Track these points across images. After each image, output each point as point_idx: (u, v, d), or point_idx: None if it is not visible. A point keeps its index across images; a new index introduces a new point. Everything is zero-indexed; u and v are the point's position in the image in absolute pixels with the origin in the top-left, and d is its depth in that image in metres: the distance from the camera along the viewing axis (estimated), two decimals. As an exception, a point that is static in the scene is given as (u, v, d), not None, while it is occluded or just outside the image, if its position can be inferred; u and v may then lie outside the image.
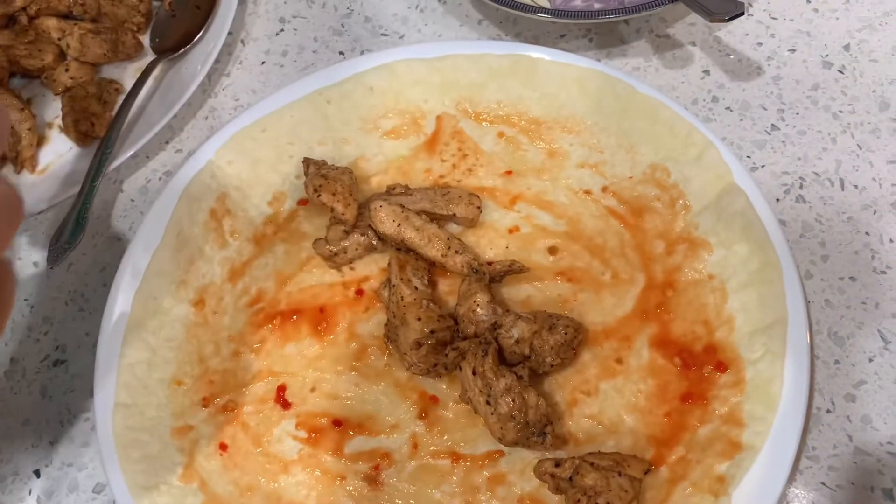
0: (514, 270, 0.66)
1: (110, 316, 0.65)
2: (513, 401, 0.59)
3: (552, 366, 0.62)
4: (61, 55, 0.82)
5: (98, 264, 0.73)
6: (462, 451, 0.62)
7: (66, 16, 0.84)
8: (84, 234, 0.70)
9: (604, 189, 0.70)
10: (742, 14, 0.68)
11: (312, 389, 0.65)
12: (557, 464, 0.58)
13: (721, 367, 0.61)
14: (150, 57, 0.83)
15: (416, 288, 0.65)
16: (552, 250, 0.68)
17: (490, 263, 0.67)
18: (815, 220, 0.69)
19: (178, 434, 0.63)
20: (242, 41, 0.84)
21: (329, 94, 0.74)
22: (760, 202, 0.64)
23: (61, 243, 0.70)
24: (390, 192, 0.71)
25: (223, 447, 0.63)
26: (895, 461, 0.59)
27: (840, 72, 0.75)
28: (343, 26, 0.84)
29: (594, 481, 0.56)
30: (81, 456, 0.66)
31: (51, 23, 0.82)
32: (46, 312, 0.72)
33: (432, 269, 0.68)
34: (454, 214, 0.69)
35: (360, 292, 0.68)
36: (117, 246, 0.74)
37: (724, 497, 0.55)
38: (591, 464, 0.57)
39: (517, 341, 0.62)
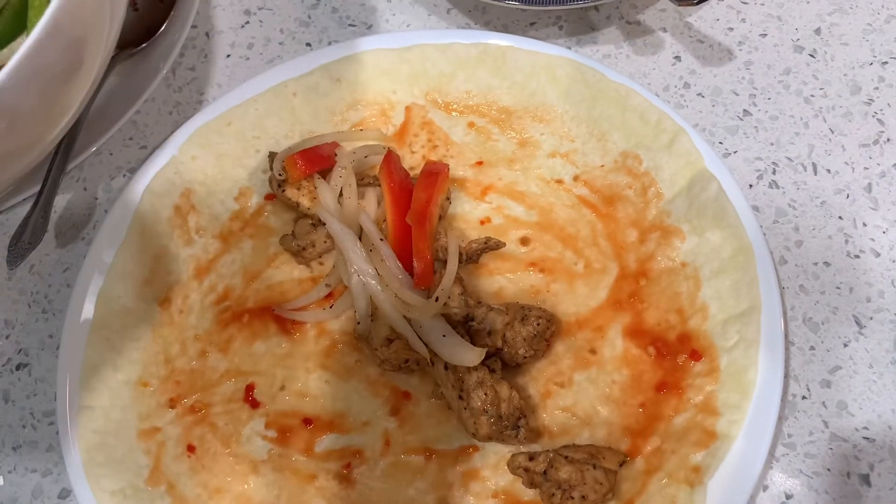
0: (490, 247, 0.65)
1: (73, 317, 0.64)
2: (485, 394, 0.58)
3: (525, 357, 0.61)
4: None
5: (61, 264, 0.72)
6: (435, 446, 0.60)
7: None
8: (46, 234, 0.68)
9: (575, 178, 0.69)
10: (711, -2, 0.67)
11: (282, 388, 0.64)
12: (531, 457, 0.57)
13: (695, 355, 0.60)
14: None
15: (386, 282, 0.64)
16: (524, 241, 0.67)
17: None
18: (789, 206, 0.68)
19: (145, 436, 0.62)
20: (207, 34, 0.83)
21: (295, 87, 0.73)
22: (733, 188, 0.63)
23: (22, 244, 0.67)
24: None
25: (191, 449, 0.62)
26: (872, 447, 0.59)
27: (811, 56, 0.74)
28: (310, 17, 0.82)
29: (569, 475, 0.55)
30: (46, 461, 0.64)
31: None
32: (8, 315, 0.70)
33: (403, 262, 0.67)
34: (424, 206, 0.68)
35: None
36: (80, 245, 0.72)
37: (699, 487, 0.55)
38: (566, 457, 0.56)
39: (489, 333, 0.61)
